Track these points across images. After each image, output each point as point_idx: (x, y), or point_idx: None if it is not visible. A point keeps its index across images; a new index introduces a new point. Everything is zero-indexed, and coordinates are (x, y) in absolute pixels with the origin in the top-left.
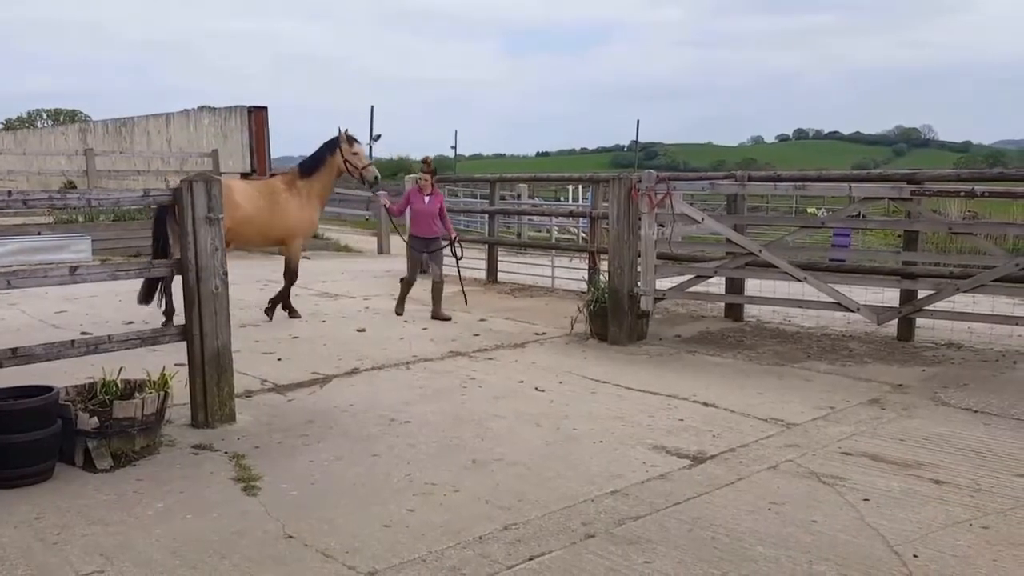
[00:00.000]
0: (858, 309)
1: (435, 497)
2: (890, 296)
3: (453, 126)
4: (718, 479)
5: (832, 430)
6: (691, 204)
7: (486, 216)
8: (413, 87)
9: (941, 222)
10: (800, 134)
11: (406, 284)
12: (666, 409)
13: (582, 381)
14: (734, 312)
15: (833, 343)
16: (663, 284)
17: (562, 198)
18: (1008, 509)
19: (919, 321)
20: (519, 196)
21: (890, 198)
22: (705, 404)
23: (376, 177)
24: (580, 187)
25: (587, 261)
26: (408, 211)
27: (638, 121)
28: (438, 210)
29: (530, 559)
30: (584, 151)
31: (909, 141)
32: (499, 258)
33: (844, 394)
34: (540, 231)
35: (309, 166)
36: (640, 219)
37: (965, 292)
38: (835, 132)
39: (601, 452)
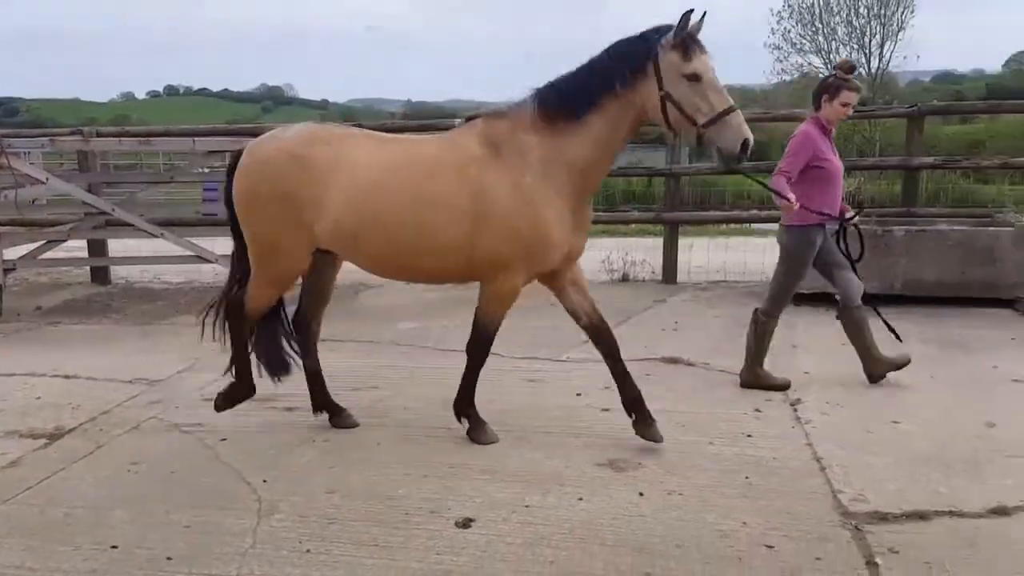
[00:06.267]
0: (217, 260)
1: None
2: None
3: None
4: (76, 452)
5: (196, 379)
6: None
7: None
8: None
9: None
10: (171, 90)
11: (773, 318)
12: (22, 389)
13: None
14: (101, 275)
15: (201, 295)
16: (14, 253)
17: None
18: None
19: None
20: None
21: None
22: (67, 377)
23: (747, 145)
24: None
25: None
26: (806, 175)
27: None
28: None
29: None
30: None
31: (275, 99)
32: None
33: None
34: None
35: (557, 102)
36: None
37: None
38: (205, 89)
39: None
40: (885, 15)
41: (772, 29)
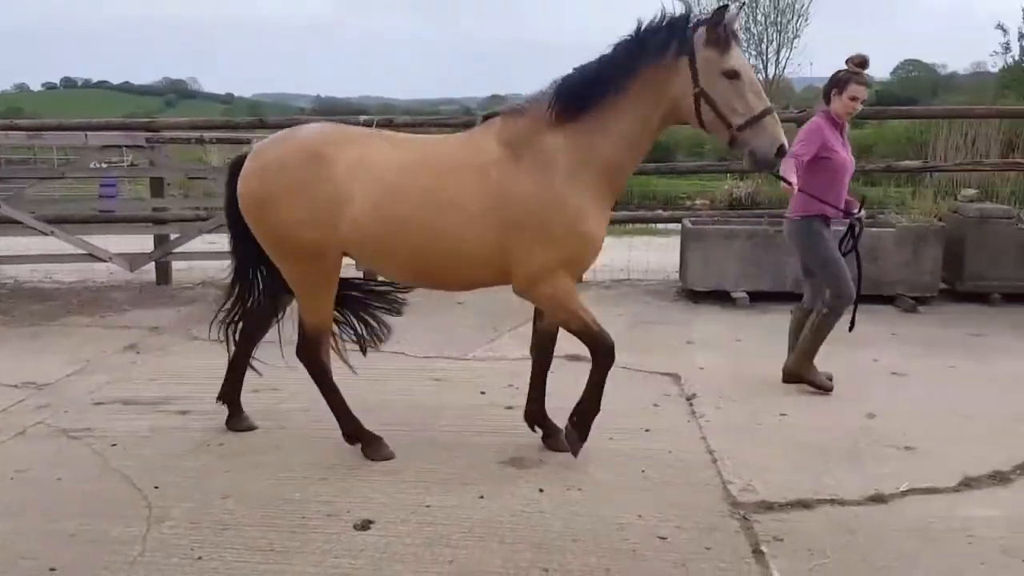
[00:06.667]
0: (110, 259)
1: None
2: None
3: None
4: None
5: (87, 382)
6: None
7: None
8: None
9: (178, 168)
10: (68, 82)
11: (837, 313)
12: None
13: None
14: None
15: (95, 295)
16: None
17: None
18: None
19: (179, 264)
20: None
21: (127, 146)
22: None
23: (782, 150)
24: None
25: None
26: (813, 166)
27: None
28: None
29: None
30: None
31: (178, 92)
32: None
33: (102, 344)
34: None
35: (579, 94)
36: None
37: (208, 232)
38: (105, 81)
39: None
40: (781, 23)
41: None
